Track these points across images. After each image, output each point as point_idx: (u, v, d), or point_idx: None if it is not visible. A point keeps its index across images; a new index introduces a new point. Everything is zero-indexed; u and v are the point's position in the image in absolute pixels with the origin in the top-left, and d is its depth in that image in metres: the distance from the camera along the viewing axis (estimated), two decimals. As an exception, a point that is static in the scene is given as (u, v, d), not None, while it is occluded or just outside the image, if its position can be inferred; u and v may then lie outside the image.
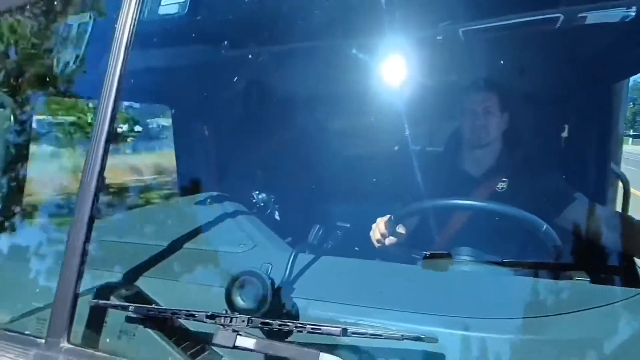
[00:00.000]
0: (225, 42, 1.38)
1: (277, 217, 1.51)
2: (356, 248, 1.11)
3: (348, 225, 1.12)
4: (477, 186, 1.35)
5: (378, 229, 1.20)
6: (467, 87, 1.37)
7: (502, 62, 1.33)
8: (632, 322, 0.69)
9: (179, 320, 0.80)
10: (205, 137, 2.03)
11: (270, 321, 0.70)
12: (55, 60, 1.30)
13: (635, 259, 1.11)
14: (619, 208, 1.80)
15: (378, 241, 1.21)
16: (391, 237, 1.20)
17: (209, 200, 1.27)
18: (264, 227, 1.14)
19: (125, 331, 0.85)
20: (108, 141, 0.90)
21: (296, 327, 0.69)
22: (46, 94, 1.58)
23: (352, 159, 1.66)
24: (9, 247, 1.30)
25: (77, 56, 1.24)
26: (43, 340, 0.85)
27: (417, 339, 0.66)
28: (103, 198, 0.90)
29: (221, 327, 0.71)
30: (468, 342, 0.72)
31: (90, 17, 1.19)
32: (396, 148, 1.54)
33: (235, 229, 1.09)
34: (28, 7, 1.26)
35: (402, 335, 0.66)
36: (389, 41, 1.19)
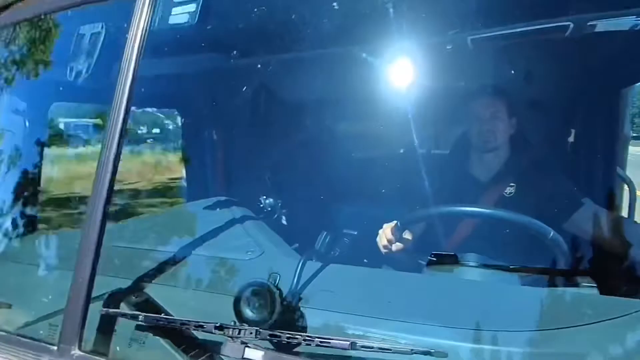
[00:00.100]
0: (234, 50, 1.37)
1: (284, 222, 1.50)
2: (365, 260, 1.09)
3: (355, 233, 1.10)
4: (485, 191, 1.33)
5: (385, 234, 1.18)
6: (476, 93, 1.35)
7: (510, 69, 1.31)
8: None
9: (188, 330, 0.79)
10: (214, 142, 2.02)
11: (279, 333, 0.68)
12: (69, 67, 1.30)
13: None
14: (624, 212, 1.77)
15: (385, 247, 1.19)
16: (398, 243, 1.18)
17: (216, 205, 1.26)
18: (271, 233, 1.12)
19: (135, 339, 0.84)
20: (120, 147, 0.89)
21: (304, 339, 0.67)
22: (60, 99, 1.59)
23: (359, 164, 1.65)
24: (22, 253, 1.31)
25: (90, 64, 1.24)
26: (55, 347, 0.85)
27: (426, 353, 0.64)
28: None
29: (229, 338, 0.69)
30: (477, 355, 0.70)
31: (102, 26, 1.19)
32: (402, 151, 1.52)
33: (243, 235, 1.08)
34: (43, 17, 1.26)
35: (411, 350, 0.64)
36: (397, 48, 1.17)
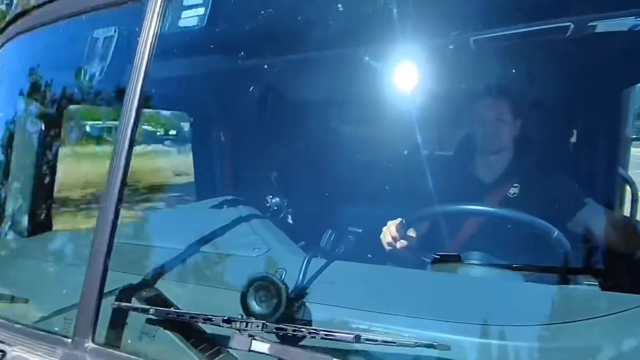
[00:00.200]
0: (242, 52, 1.38)
1: (290, 221, 1.50)
2: (369, 256, 1.09)
3: (360, 230, 1.10)
4: (489, 192, 1.32)
5: (389, 232, 1.18)
6: (479, 95, 1.34)
7: (512, 69, 1.31)
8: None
9: (197, 323, 0.79)
10: (222, 143, 2.04)
11: (285, 326, 0.69)
12: (82, 71, 1.32)
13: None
14: (626, 212, 1.75)
15: (389, 244, 1.18)
16: (402, 241, 1.18)
17: (224, 204, 1.27)
18: (277, 231, 1.13)
19: (145, 332, 0.84)
20: (131, 147, 0.91)
21: (310, 332, 0.68)
22: (74, 102, 1.61)
23: (364, 164, 1.65)
24: (38, 250, 1.32)
25: (103, 67, 1.26)
26: (69, 340, 0.86)
27: (430, 346, 0.64)
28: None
29: (237, 331, 0.70)
30: (480, 349, 0.70)
31: (115, 30, 1.21)
32: (405, 152, 1.52)
33: (250, 233, 1.09)
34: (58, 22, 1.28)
35: (415, 343, 0.64)
36: (400, 50, 1.17)
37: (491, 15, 1.03)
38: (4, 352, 0.89)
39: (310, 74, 1.51)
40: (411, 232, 1.20)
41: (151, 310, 0.80)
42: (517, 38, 1.04)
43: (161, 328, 0.83)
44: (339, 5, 1.03)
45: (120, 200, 0.88)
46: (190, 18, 1.03)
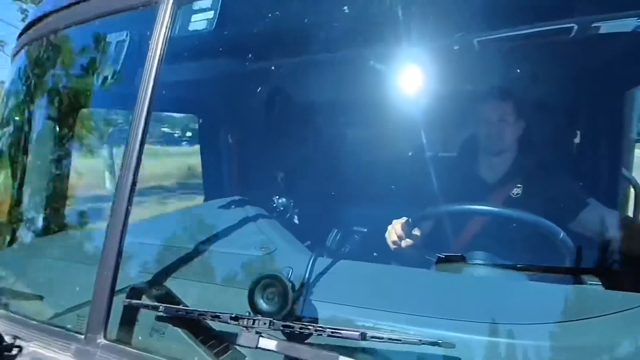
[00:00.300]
0: (250, 55, 1.38)
1: (296, 221, 1.50)
2: (375, 254, 1.08)
3: (365, 230, 1.10)
4: (492, 192, 1.31)
5: (394, 230, 1.17)
6: (483, 96, 1.34)
7: (516, 70, 1.30)
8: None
9: (205, 320, 0.79)
10: (229, 145, 2.04)
11: (292, 324, 0.69)
12: (95, 75, 1.33)
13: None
14: (630, 213, 1.73)
15: (394, 243, 1.18)
16: (407, 240, 1.17)
17: (232, 204, 1.28)
18: (284, 231, 1.13)
19: (155, 329, 0.85)
20: (142, 148, 0.91)
21: (316, 330, 0.67)
22: (88, 105, 1.63)
23: (369, 165, 1.64)
24: (53, 249, 1.34)
25: (115, 71, 1.27)
26: (82, 336, 0.86)
27: (435, 344, 0.64)
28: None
29: (244, 328, 0.70)
30: (485, 347, 0.69)
31: (127, 34, 1.22)
32: (410, 154, 1.51)
33: (257, 233, 1.09)
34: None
35: (420, 341, 0.64)
36: (405, 51, 1.17)
37: (495, 17, 1.02)
38: (20, 347, 0.90)
39: (315, 76, 1.51)
40: (416, 231, 1.19)
41: (161, 307, 0.81)
42: (521, 39, 1.03)
43: (171, 325, 0.83)
44: (344, 8, 1.03)
45: (131, 200, 0.88)
46: (199, 22, 1.03)
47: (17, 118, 1.49)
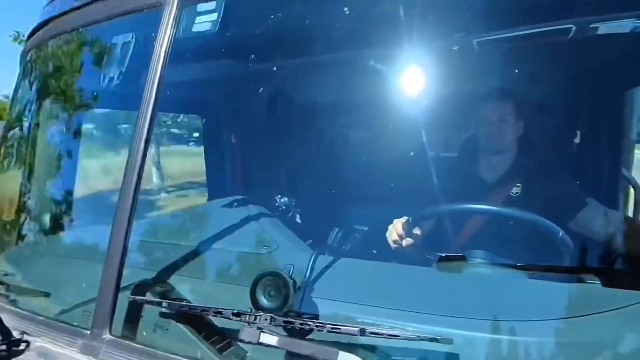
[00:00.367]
0: (252, 56, 1.39)
1: (298, 220, 1.50)
2: (374, 251, 1.09)
3: (366, 229, 1.10)
4: (492, 191, 1.31)
5: (395, 230, 1.17)
6: (483, 96, 1.33)
7: (515, 71, 1.30)
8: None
9: (208, 316, 0.80)
10: (233, 145, 2.05)
11: (292, 320, 0.69)
12: (101, 75, 1.34)
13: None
14: (630, 213, 1.72)
15: (395, 242, 1.18)
16: (408, 239, 1.17)
17: (235, 203, 1.28)
18: (286, 230, 1.13)
19: (159, 325, 0.86)
20: (146, 147, 0.92)
21: (316, 326, 0.68)
22: (92, 106, 1.64)
23: (369, 165, 1.64)
24: (60, 247, 1.35)
25: (121, 72, 1.28)
26: (88, 331, 0.87)
27: (433, 340, 0.64)
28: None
29: (246, 324, 0.70)
30: (482, 343, 0.69)
31: (132, 36, 1.23)
32: (412, 154, 1.51)
33: (260, 231, 1.10)
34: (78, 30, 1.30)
35: (418, 337, 0.64)
36: (406, 52, 1.17)
37: (494, 18, 1.02)
38: (28, 343, 0.91)
39: (317, 77, 1.52)
40: (417, 231, 1.19)
41: (164, 303, 0.81)
42: (520, 40, 1.03)
43: (174, 321, 0.84)
44: (345, 10, 1.04)
45: (135, 199, 0.89)
46: (203, 24, 1.04)
47: (25, 118, 1.51)
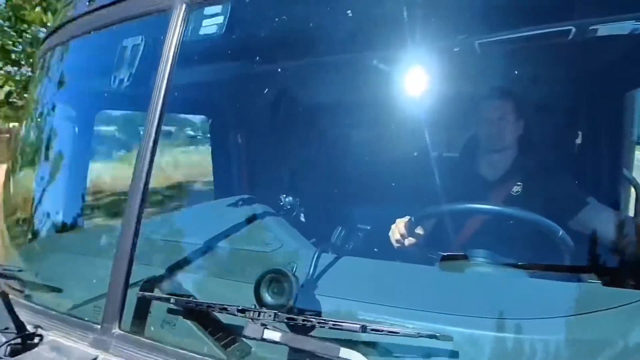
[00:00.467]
0: (257, 58, 1.39)
1: (302, 219, 1.51)
2: (375, 249, 1.09)
3: (369, 228, 1.10)
4: (493, 190, 1.31)
5: (397, 229, 1.17)
6: (484, 96, 1.33)
7: (516, 72, 1.29)
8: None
9: (214, 312, 0.81)
10: (239, 145, 2.06)
11: (295, 317, 0.70)
12: (111, 77, 1.35)
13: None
14: (631, 213, 1.70)
15: (397, 241, 1.18)
16: (410, 238, 1.17)
17: (240, 202, 1.29)
18: (290, 228, 1.14)
19: (167, 320, 0.86)
20: (154, 149, 0.93)
21: (319, 322, 0.68)
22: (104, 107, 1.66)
23: (373, 165, 1.64)
24: (71, 244, 1.37)
25: (130, 73, 1.28)
26: (99, 326, 0.88)
27: (433, 337, 0.64)
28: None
29: (250, 320, 0.71)
30: (482, 341, 0.69)
31: (141, 39, 1.24)
32: (415, 154, 1.51)
33: (264, 230, 1.10)
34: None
35: (419, 334, 0.64)
36: (408, 53, 1.17)
37: (495, 20, 1.02)
38: (41, 336, 0.92)
39: (321, 77, 1.52)
40: (419, 230, 1.19)
41: (172, 299, 0.82)
42: (521, 41, 1.02)
43: (181, 317, 0.85)
44: (348, 12, 1.04)
45: (144, 198, 0.90)
46: (210, 27, 1.05)
47: (40, 119, 1.53)
